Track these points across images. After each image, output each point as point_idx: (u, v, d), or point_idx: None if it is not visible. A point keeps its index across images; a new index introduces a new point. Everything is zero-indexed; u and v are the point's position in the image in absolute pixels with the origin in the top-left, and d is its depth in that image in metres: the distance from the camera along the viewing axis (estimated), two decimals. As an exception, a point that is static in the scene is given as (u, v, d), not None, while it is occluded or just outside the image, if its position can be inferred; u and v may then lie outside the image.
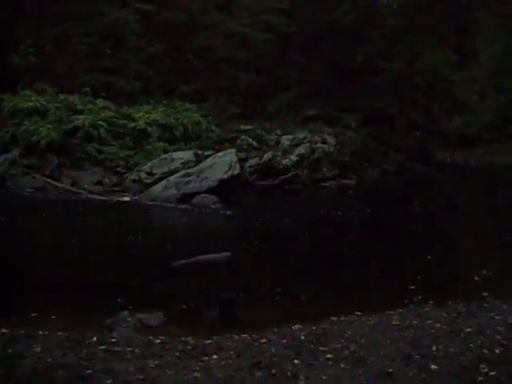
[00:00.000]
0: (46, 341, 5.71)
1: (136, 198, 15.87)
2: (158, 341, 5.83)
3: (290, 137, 20.37)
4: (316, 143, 20.10)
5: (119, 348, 5.52)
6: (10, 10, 21.85)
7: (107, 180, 17.33)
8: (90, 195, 16.19)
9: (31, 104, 18.82)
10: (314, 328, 6.24)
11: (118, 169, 17.90)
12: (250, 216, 14.06)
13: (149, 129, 19.16)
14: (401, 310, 6.98)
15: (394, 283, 8.80)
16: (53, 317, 6.92)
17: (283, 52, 24.67)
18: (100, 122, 18.84)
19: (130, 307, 7.17)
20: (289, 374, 4.87)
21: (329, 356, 5.30)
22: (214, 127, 20.43)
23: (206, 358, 5.26)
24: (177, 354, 5.41)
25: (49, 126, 18.30)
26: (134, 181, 16.98)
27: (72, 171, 17.78)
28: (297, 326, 6.39)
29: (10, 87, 19.38)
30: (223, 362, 5.15)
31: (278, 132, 21.00)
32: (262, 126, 21.27)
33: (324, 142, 20.41)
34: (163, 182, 16.12)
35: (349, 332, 6.07)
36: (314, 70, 23.46)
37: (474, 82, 26.01)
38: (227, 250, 9.67)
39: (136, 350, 5.47)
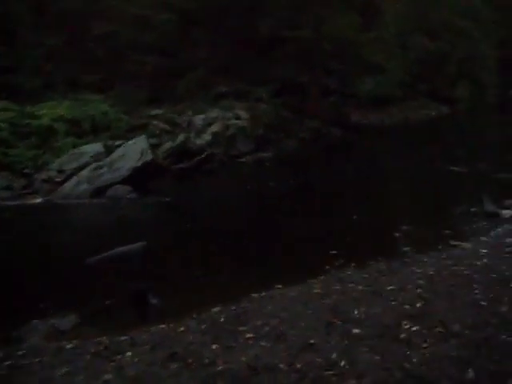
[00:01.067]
0: None
1: (48, 198, 15.11)
2: (70, 346, 5.48)
3: (202, 116, 20.03)
4: (229, 120, 19.84)
5: (26, 361, 5.11)
6: None
7: (16, 184, 16.37)
8: (-3, 201, 15.22)
9: None
10: (233, 308, 6.05)
11: (26, 170, 16.96)
12: (167, 201, 13.66)
13: (55, 125, 18.34)
14: (322, 277, 6.86)
15: (316, 251, 8.71)
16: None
17: (186, 31, 24.13)
18: (2, 124, 17.79)
19: (42, 313, 6.70)
20: (206, 361, 4.65)
21: (249, 335, 5.11)
22: (122, 115, 19.81)
23: (119, 356, 4.97)
24: (88, 357, 5.08)
25: None
26: (44, 181, 16.14)
27: (-23, 178, 16.65)
28: (216, 309, 6.17)
29: None
30: (137, 359, 4.87)
31: (190, 113, 20.61)
32: (172, 108, 20.80)
33: (237, 117, 20.20)
34: (74, 178, 15.45)
35: (269, 307, 5.90)
36: (220, 46, 23.07)
37: (382, 42, 26.34)
38: (144, 239, 9.31)
39: (44, 360, 5.08)
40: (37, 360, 5.13)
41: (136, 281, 7.25)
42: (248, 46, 22.62)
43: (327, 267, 7.33)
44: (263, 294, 6.54)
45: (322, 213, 11.54)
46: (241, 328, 5.39)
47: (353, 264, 7.33)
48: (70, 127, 18.68)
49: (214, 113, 20.41)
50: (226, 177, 17.24)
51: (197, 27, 24.06)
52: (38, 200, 15.08)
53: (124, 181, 15.46)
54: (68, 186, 15.33)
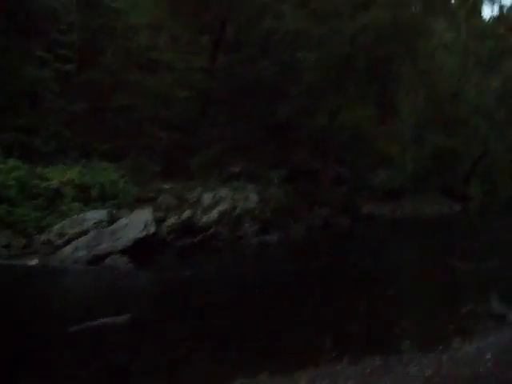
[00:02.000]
0: None
1: (45, 260, 14.83)
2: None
3: (212, 194, 19.94)
4: (238, 200, 19.72)
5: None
6: None
7: (15, 243, 16.18)
8: (-6, 259, 14.95)
9: None
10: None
11: (29, 231, 16.78)
12: (164, 275, 13.27)
13: (63, 189, 18.28)
14: (311, 369, 6.37)
15: (309, 339, 8.22)
16: None
17: (205, 109, 24.54)
18: (10, 183, 17.77)
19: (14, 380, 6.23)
20: None
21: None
22: (132, 186, 19.77)
23: None
24: None
25: (-47, 187, 17.04)
26: (43, 243, 15.98)
27: (-24, 234, 16.46)
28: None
29: None
30: None
31: (200, 190, 20.53)
32: (183, 184, 20.78)
33: (246, 199, 20.07)
34: (74, 243, 15.25)
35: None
36: (236, 126, 23.33)
37: (397, 135, 26.60)
38: (133, 312, 8.89)
39: None
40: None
41: (115, 353, 6.78)
42: (263, 129, 22.85)
43: (319, 359, 6.82)
44: (242, 380, 6.04)
45: (321, 300, 11.08)
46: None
47: (346, 357, 6.82)
48: (79, 192, 18.63)
49: (223, 192, 20.33)
50: (228, 256, 16.93)
51: (214, 106, 24.45)
52: (35, 262, 14.84)
53: (124, 251, 15.25)
54: (67, 250, 15.11)
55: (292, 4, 21.52)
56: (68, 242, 15.47)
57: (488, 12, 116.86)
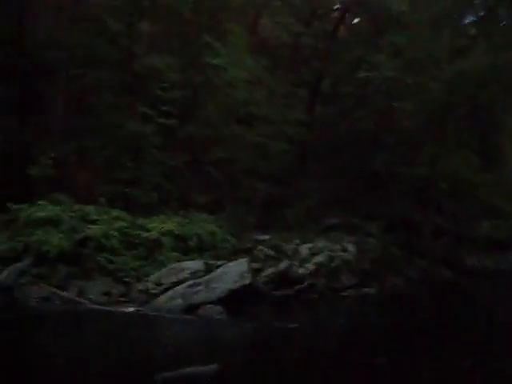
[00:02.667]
0: None
1: (140, 308, 15.11)
2: None
3: (309, 246, 19.74)
4: (335, 251, 19.35)
5: None
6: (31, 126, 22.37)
7: (115, 290, 16.69)
8: (93, 306, 15.50)
9: (45, 214, 18.59)
10: None
11: (127, 279, 17.27)
12: (257, 327, 13.05)
13: (162, 239, 18.72)
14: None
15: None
16: None
17: (302, 161, 24.55)
18: (112, 232, 18.49)
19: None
20: None
21: None
22: (229, 237, 19.97)
23: None
24: None
25: (60, 235, 17.96)
26: (140, 291, 16.31)
27: (81, 281, 17.19)
28: None
29: (27, 198, 19.34)
30: None
31: (297, 242, 20.39)
32: (279, 235, 20.74)
33: (344, 250, 19.69)
34: (169, 293, 15.43)
35: None
36: (333, 178, 23.12)
37: (501, 184, 25.25)
38: (223, 363, 8.70)
39: None
40: None
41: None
42: (361, 180, 22.47)
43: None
44: None
45: (421, 356, 10.33)
46: None
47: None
48: (177, 243, 19.03)
49: (320, 243, 20.07)
50: (324, 308, 16.49)
51: (312, 158, 24.42)
52: (131, 309, 15.16)
53: (219, 301, 15.25)
54: (162, 299, 15.31)
55: (387, 53, 21.33)
56: (164, 291, 15.65)
57: None
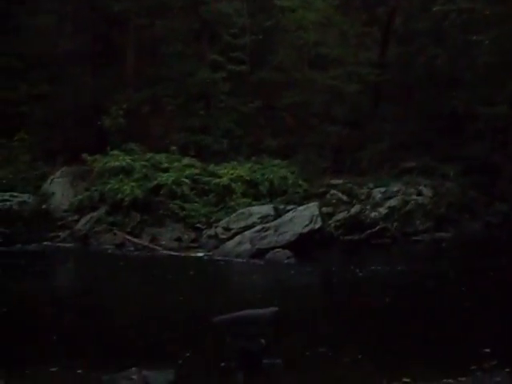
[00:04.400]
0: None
1: (210, 253, 15.31)
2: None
3: (383, 189, 19.11)
4: (410, 195, 18.66)
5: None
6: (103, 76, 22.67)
7: (186, 236, 17.00)
8: (165, 251, 15.89)
9: (118, 163, 19.00)
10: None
11: (198, 225, 17.51)
12: (326, 271, 12.85)
13: (233, 185, 18.72)
14: (464, 378, 5.49)
15: (467, 344, 7.22)
16: (53, 369, 6.15)
17: (375, 103, 23.64)
18: (184, 180, 18.69)
19: (145, 362, 6.24)
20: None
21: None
22: (301, 182, 19.66)
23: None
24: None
25: (133, 184, 18.34)
26: (210, 237, 16.52)
27: (153, 228, 17.64)
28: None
29: (100, 148, 19.79)
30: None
31: (370, 185, 19.79)
32: (353, 180, 20.20)
33: (419, 193, 18.95)
34: (238, 237, 15.50)
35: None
36: (408, 120, 22.13)
37: None
38: (284, 306, 8.57)
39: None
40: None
41: (252, 344, 6.50)
42: (438, 121, 21.39)
43: (473, 367, 5.89)
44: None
45: (491, 304, 9.81)
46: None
47: (507, 369, 5.81)
48: (248, 188, 18.99)
49: (395, 187, 19.39)
50: (397, 253, 16.01)
51: (386, 99, 23.47)
52: (200, 254, 15.43)
53: (287, 245, 15.13)
54: (231, 244, 15.40)
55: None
56: (233, 236, 15.70)
57: None
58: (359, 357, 6.75)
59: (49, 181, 19.78)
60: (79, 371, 6.32)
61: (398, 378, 5.62)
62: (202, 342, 7.49)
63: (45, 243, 16.65)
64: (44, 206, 18.77)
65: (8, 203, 17.54)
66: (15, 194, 18.32)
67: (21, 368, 6.36)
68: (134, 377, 5.83)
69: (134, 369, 6.07)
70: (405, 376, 5.64)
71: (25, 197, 18.38)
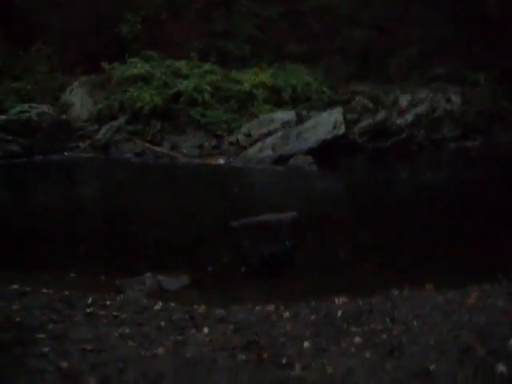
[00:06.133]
0: (33, 299, 4.86)
1: (231, 160, 15.06)
2: (158, 307, 4.79)
3: (409, 96, 18.38)
4: (438, 102, 17.97)
5: (104, 312, 4.53)
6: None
7: (206, 144, 16.69)
8: (185, 159, 15.68)
9: (136, 71, 18.51)
10: (360, 303, 4.83)
11: (219, 132, 17.17)
12: (349, 178, 12.56)
13: (254, 91, 18.19)
14: (488, 285, 5.25)
15: (495, 251, 6.94)
16: (72, 275, 6.08)
17: (404, 6, 22.37)
18: (205, 86, 18.18)
19: (161, 267, 6.14)
20: (283, 360, 3.56)
21: (356, 340, 3.89)
22: (325, 89, 19.04)
23: (193, 331, 4.10)
24: (163, 323, 4.31)
25: (152, 91, 17.91)
26: (231, 143, 16.20)
27: (174, 136, 17.32)
28: (341, 300, 5.01)
29: (118, 57, 19.25)
30: (208, 338, 3.97)
31: (397, 92, 19.08)
32: (379, 86, 19.48)
33: (448, 100, 18.20)
34: (259, 144, 15.17)
35: (402, 310, 4.58)
36: (439, 24, 20.95)
37: None
38: (303, 212, 8.37)
39: (122, 316, 4.48)
40: (115, 314, 4.53)
41: (272, 248, 6.35)
42: (470, 26, 20.21)
43: (500, 275, 5.61)
44: (405, 292, 5.20)
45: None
46: (353, 329, 4.20)
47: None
48: (270, 95, 18.46)
49: (422, 93, 18.64)
50: (422, 161, 15.60)
51: (415, 2, 22.19)
52: (221, 161, 15.20)
53: (310, 152, 14.79)
54: (252, 150, 15.12)
55: None
56: (254, 143, 15.40)
57: None
58: (380, 263, 6.55)
59: (68, 91, 19.41)
60: (101, 277, 6.23)
61: (421, 284, 5.40)
62: (220, 246, 7.35)
63: (65, 154, 16.48)
64: (63, 117, 18.51)
65: (27, 114, 17.24)
66: (34, 104, 18.01)
67: (38, 273, 6.28)
68: (147, 281, 5.72)
69: (148, 274, 5.95)
70: (427, 282, 5.41)
71: (44, 107, 18.05)
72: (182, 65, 19.43)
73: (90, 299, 4.96)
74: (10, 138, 16.02)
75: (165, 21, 21.96)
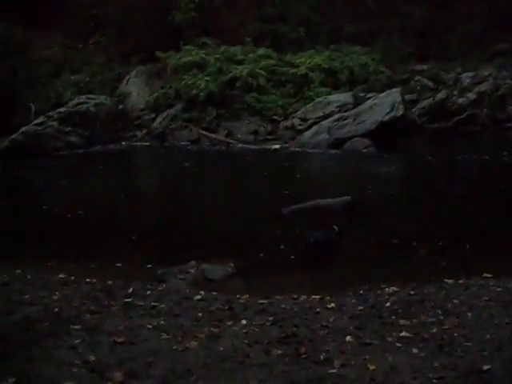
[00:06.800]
0: (75, 289, 4.81)
1: (286, 145, 14.84)
2: (198, 297, 4.66)
3: (472, 74, 17.57)
4: (503, 79, 17.07)
5: (143, 302, 4.41)
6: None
7: (262, 129, 16.55)
8: (240, 145, 15.57)
9: (191, 58, 18.50)
10: (412, 293, 4.53)
11: (275, 117, 16.98)
12: (407, 160, 12.08)
13: (310, 74, 17.85)
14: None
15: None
16: (118, 264, 6.02)
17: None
18: (259, 71, 18.01)
19: (206, 256, 6.00)
20: (322, 356, 3.32)
21: (403, 334, 3.61)
22: (383, 69, 18.49)
23: (231, 323, 3.92)
24: (200, 314, 4.14)
25: (207, 78, 17.87)
26: (286, 128, 16.00)
27: (229, 122, 17.28)
28: (392, 289, 4.72)
29: (173, 45, 19.27)
30: (245, 330, 3.78)
31: (458, 70, 18.29)
32: (440, 65, 18.75)
33: (513, 77, 17.26)
34: (315, 128, 14.87)
35: (456, 301, 4.25)
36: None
37: None
38: (358, 196, 8.07)
39: (159, 306, 4.35)
40: (154, 304, 4.41)
41: (325, 235, 6.09)
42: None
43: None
44: (460, 281, 4.84)
45: None
46: (401, 321, 3.92)
47: None
48: (326, 77, 18.09)
49: (486, 71, 17.77)
50: (487, 142, 14.84)
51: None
52: (276, 146, 14.98)
53: (367, 134, 14.38)
54: (308, 134, 14.85)
55: None
56: (310, 127, 15.11)
57: None
58: (435, 250, 6.18)
59: (125, 81, 19.66)
60: (147, 265, 6.14)
61: (479, 273, 5.02)
62: (268, 233, 7.14)
63: (122, 143, 16.66)
64: (121, 107, 18.73)
65: (85, 105, 17.51)
66: (92, 96, 18.28)
67: (88, 262, 6.26)
68: (191, 270, 5.58)
69: (192, 262, 5.82)
70: (486, 271, 5.03)
71: (102, 98, 18.30)
72: (236, 50, 19.29)
73: (131, 289, 4.87)
74: (69, 129, 16.29)
75: (218, 7, 21.80)
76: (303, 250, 6.09)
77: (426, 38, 20.56)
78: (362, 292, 4.74)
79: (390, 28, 20.79)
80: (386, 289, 4.77)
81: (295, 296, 4.68)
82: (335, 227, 6.05)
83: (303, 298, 4.63)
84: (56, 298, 4.55)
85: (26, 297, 4.54)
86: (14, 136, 15.25)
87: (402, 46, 20.03)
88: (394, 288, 4.76)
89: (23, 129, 15.62)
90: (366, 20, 21.74)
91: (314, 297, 4.63)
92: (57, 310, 4.22)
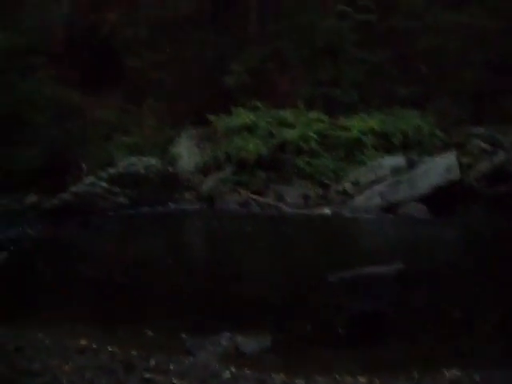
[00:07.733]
0: (92, 358, 4.35)
1: (336, 210, 14.32)
2: (227, 374, 4.08)
3: (531, 136, 16.90)
4: None
5: (163, 378, 3.90)
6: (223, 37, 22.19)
7: (312, 193, 16.19)
8: (290, 209, 15.16)
9: (242, 121, 18.54)
10: (477, 379, 3.84)
11: (326, 181, 16.60)
12: (465, 227, 11.38)
13: (363, 138, 17.58)
14: None
15: None
16: (149, 333, 5.56)
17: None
18: (311, 134, 17.87)
19: (240, 326, 5.48)
20: None
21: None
22: (438, 132, 18.03)
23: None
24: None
25: (257, 141, 17.78)
26: (338, 192, 15.55)
27: (279, 185, 16.99)
28: (453, 373, 4.03)
29: (224, 108, 19.41)
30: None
31: (515, 132, 17.70)
32: (495, 128, 18.22)
33: None
34: (367, 192, 14.42)
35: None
36: None
37: None
38: (411, 264, 7.44)
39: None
40: (173, 381, 3.88)
41: (368, 305, 5.50)
42: None
43: None
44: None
45: None
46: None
47: None
48: (379, 141, 17.72)
49: (546, 132, 17.13)
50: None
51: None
52: (327, 211, 14.50)
53: (422, 199, 13.86)
54: (360, 199, 14.42)
55: None
56: (362, 191, 14.67)
57: None
58: (502, 326, 5.46)
59: (175, 144, 19.78)
60: (179, 334, 5.66)
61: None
62: (312, 303, 6.56)
63: (170, 205, 16.54)
64: (171, 169, 18.75)
65: (135, 167, 17.61)
66: (142, 157, 18.40)
67: (116, 328, 5.83)
68: (223, 342, 5.05)
69: (226, 333, 5.29)
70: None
71: (152, 160, 18.37)
72: (287, 114, 19.22)
73: (154, 361, 4.38)
74: (118, 190, 16.29)
75: (270, 71, 22.00)
76: (350, 323, 5.48)
77: (481, 101, 20.13)
78: (416, 374, 4.09)
79: (444, 91, 20.46)
80: (446, 372, 4.11)
81: (338, 377, 4.07)
82: (388, 299, 5.45)
83: (348, 379, 4.02)
84: (67, 368, 4.10)
85: (36, 365, 4.11)
86: (63, 195, 15.37)
87: (456, 109, 19.64)
88: (455, 372, 4.09)
89: (73, 188, 15.74)
90: (419, 83, 21.49)
91: (360, 379, 4.01)
92: (64, 382, 3.76)
